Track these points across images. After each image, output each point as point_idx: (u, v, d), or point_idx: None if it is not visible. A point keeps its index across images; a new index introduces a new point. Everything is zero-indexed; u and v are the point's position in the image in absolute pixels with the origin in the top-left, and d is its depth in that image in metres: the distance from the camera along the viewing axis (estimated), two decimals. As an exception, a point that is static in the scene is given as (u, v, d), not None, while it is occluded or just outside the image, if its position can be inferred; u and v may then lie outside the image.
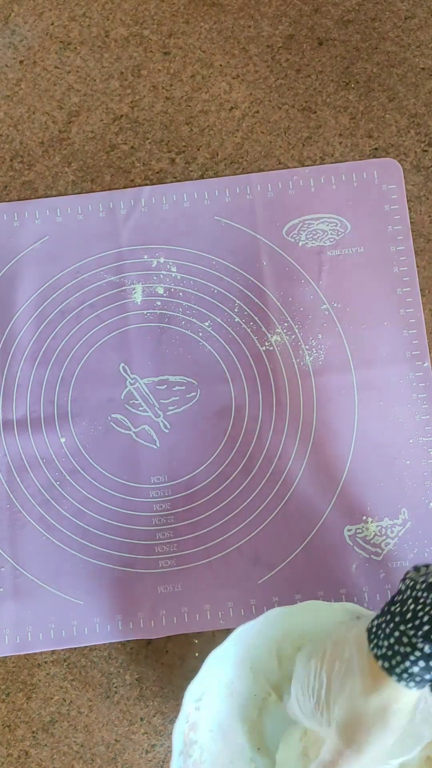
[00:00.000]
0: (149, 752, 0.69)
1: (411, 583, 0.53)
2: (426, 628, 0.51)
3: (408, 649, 0.51)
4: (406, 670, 0.52)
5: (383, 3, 0.79)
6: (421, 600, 0.52)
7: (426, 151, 0.77)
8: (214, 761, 0.63)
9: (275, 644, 0.65)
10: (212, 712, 0.64)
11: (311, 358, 0.74)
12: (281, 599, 0.70)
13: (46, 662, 0.70)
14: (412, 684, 0.52)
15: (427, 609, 0.51)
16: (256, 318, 0.74)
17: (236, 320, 0.74)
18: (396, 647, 0.52)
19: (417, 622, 0.51)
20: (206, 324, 0.74)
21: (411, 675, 0.52)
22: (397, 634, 0.52)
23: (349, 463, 0.72)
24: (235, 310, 0.75)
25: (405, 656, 0.52)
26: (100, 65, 0.78)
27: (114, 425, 0.73)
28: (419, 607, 0.52)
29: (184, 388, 0.73)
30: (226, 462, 0.72)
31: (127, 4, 0.79)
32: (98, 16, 0.79)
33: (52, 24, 0.79)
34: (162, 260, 0.75)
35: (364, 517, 0.71)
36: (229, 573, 0.71)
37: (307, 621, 0.64)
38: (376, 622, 0.55)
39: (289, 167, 0.77)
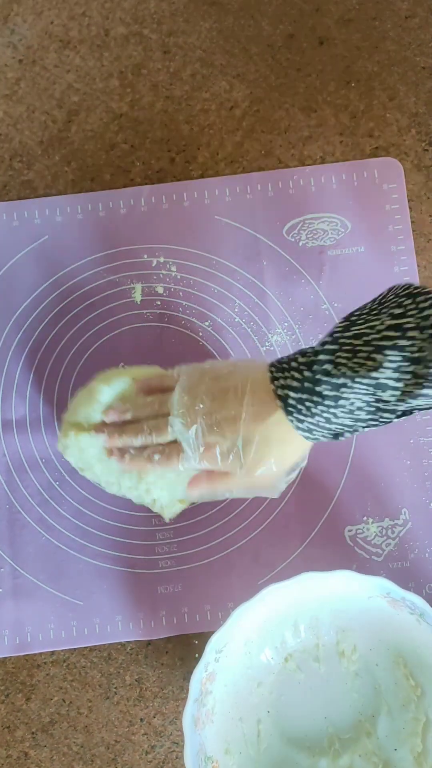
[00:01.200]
0: (149, 753, 0.69)
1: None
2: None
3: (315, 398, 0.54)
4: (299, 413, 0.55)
5: (383, 2, 0.79)
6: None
7: (426, 150, 0.77)
8: (224, 714, 0.65)
9: (298, 609, 0.67)
10: (230, 668, 0.66)
11: (311, 358, 0.73)
12: (281, 600, 0.70)
13: (45, 663, 0.70)
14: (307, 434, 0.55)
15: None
16: (256, 318, 0.74)
17: (236, 320, 0.74)
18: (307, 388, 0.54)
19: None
20: (206, 324, 0.74)
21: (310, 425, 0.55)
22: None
23: (349, 463, 0.72)
24: (236, 309, 0.74)
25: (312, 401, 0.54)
26: (99, 64, 0.78)
27: (114, 425, 0.73)
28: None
29: (184, 388, 0.73)
30: (226, 462, 0.72)
31: (126, 3, 0.79)
32: (98, 15, 0.79)
33: (52, 23, 0.79)
34: (162, 260, 0.75)
35: (365, 518, 0.71)
36: (229, 573, 0.71)
37: (339, 590, 0.65)
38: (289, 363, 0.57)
39: (289, 166, 0.76)
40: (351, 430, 0.56)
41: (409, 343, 0.51)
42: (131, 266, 0.75)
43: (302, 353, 0.56)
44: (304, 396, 0.54)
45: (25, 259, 0.75)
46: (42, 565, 0.71)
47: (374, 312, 0.55)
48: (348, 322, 0.55)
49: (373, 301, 0.57)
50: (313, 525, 0.71)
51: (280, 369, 0.57)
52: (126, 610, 0.70)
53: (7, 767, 0.69)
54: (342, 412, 0.54)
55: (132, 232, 0.75)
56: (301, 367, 0.55)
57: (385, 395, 0.52)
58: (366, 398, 0.53)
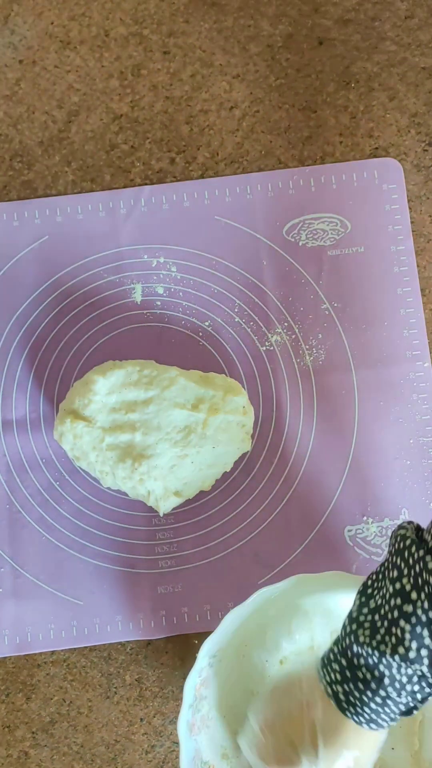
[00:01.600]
0: (149, 753, 0.69)
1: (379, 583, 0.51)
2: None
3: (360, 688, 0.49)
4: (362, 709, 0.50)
5: (383, 3, 0.79)
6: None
7: (426, 150, 0.77)
8: (220, 719, 0.65)
9: (291, 611, 0.67)
10: (224, 672, 0.65)
11: (311, 358, 0.74)
12: (281, 599, 0.70)
13: (45, 663, 0.70)
14: (373, 725, 0.51)
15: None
16: (256, 318, 0.74)
17: (236, 320, 0.74)
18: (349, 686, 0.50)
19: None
20: (206, 324, 0.74)
21: (369, 716, 0.50)
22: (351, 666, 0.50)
23: (349, 463, 0.72)
24: (235, 309, 0.74)
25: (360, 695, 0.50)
26: (99, 65, 0.78)
27: (114, 425, 0.73)
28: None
29: (184, 388, 0.73)
30: (226, 462, 0.72)
31: (126, 4, 0.79)
32: (98, 16, 0.79)
33: (52, 23, 0.79)
34: (162, 260, 0.75)
35: (365, 518, 0.71)
36: (229, 573, 0.71)
37: (331, 591, 0.65)
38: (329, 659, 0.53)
39: (289, 167, 0.77)
40: (412, 704, 0.50)
41: (420, 608, 0.47)
42: (131, 266, 0.75)
43: (335, 642, 0.53)
44: (350, 686, 0.50)
45: (26, 259, 0.75)
46: (42, 565, 0.71)
47: (381, 575, 0.51)
48: (363, 594, 0.52)
49: (387, 557, 0.52)
50: (313, 525, 0.71)
51: (324, 665, 0.53)
52: (126, 610, 0.70)
53: (7, 767, 0.69)
54: (391, 690, 0.49)
55: (132, 232, 0.76)
56: (337, 657, 0.52)
57: (425, 668, 0.47)
58: (407, 672, 0.48)
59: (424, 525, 0.72)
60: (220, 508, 0.72)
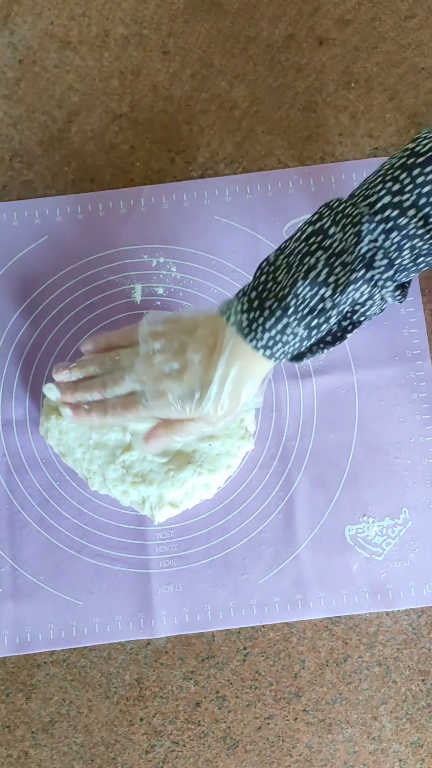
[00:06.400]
0: (149, 752, 0.69)
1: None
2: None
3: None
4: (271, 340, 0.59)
5: (383, 3, 0.79)
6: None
7: (426, 150, 0.77)
8: None
9: None
10: None
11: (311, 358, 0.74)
12: (281, 599, 0.70)
13: (45, 662, 0.70)
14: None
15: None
16: (256, 318, 0.74)
17: (236, 320, 0.74)
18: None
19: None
20: (206, 324, 0.74)
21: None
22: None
23: (349, 462, 0.72)
24: (235, 309, 0.74)
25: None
26: (99, 65, 0.78)
27: (114, 425, 0.73)
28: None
29: (184, 387, 0.73)
30: (226, 462, 0.72)
31: (126, 4, 0.79)
32: (98, 16, 0.79)
33: (52, 23, 0.79)
34: (162, 260, 0.75)
35: (365, 517, 0.71)
36: (229, 573, 0.71)
37: None
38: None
39: (289, 167, 0.77)
40: (306, 339, 0.59)
41: (331, 240, 0.58)
42: (131, 266, 0.75)
43: (247, 285, 0.61)
44: (255, 314, 0.59)
45: (25, 260, 0.75)
46: (42, 565, 0.71)
47: (294, 236, 0.60)
48: (277, 248, 0.61)
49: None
50: (313, 525, 0.71)
51: (229, 303, 0.61)
52: (126, 610, 0.70)
53: (7, 766, 0.69)
54: (293, 319, 0.58)
55: (132, 232, 0.76)
56: (247, 291, 0.60)
57: (324, 291, 0.57)
58: (310, 303, 0.58)
59: (424, 525, 0.72)
60: (220, 508, 0.72)
